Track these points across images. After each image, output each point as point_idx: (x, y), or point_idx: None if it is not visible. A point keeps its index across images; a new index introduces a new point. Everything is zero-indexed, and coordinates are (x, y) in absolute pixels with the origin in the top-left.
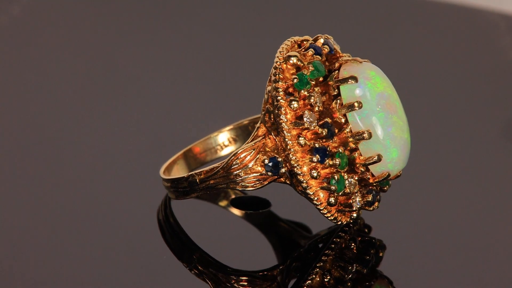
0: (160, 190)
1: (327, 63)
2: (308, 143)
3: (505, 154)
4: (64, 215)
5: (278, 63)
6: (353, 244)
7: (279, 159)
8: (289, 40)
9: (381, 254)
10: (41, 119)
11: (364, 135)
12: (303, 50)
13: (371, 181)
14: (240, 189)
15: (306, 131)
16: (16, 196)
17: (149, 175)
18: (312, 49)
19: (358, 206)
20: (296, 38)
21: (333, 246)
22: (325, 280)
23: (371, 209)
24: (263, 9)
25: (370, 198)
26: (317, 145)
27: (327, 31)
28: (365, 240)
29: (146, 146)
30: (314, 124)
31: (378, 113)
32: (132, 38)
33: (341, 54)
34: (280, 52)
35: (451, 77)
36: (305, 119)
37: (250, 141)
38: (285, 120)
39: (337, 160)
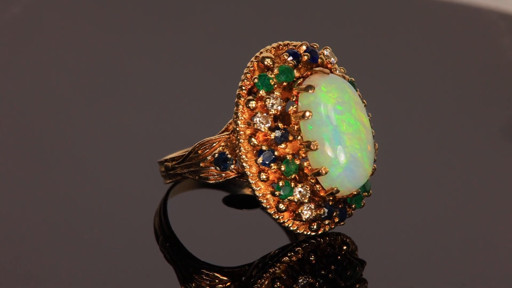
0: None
1: (309, 72)
2: (258, 145)
3: (505, 154)
4: (70, 207)
5: (253, 62)
6: (313, 256)
7: (228, 155)
8: (276, 43)
9: (348, 273)
10: (42, 119)
11: (311, 146)
12: (281, 53)
13: (322, 194)
14: (201, 180)
15: (259, 132)
16: (15, 190)
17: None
18: (287, 54)
19: (307, 217)
20: (287, 42)
21: (290, 254)
22: (275, 286)
23: (327, 223)
24: (277, 13)
25: (322, 211)
26: (264, 148)
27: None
28: (331, 255)
29: (154, 144)
30: (264, 126)
31: (327, 126)
32: (134, 38)
33: (331, 66)
34: (260, 52)
35: (451, 76)
36: (255, 119)
37: (217, 134)
38: (241, 118)
39: (282, 166)
